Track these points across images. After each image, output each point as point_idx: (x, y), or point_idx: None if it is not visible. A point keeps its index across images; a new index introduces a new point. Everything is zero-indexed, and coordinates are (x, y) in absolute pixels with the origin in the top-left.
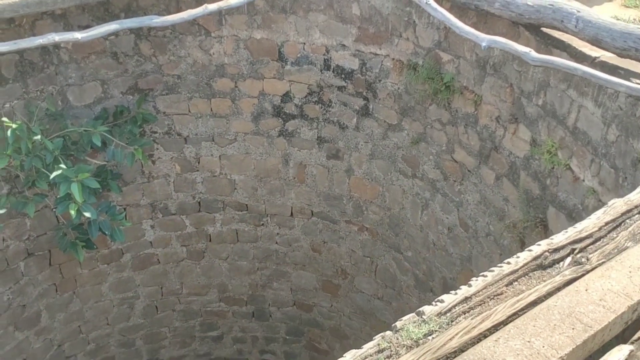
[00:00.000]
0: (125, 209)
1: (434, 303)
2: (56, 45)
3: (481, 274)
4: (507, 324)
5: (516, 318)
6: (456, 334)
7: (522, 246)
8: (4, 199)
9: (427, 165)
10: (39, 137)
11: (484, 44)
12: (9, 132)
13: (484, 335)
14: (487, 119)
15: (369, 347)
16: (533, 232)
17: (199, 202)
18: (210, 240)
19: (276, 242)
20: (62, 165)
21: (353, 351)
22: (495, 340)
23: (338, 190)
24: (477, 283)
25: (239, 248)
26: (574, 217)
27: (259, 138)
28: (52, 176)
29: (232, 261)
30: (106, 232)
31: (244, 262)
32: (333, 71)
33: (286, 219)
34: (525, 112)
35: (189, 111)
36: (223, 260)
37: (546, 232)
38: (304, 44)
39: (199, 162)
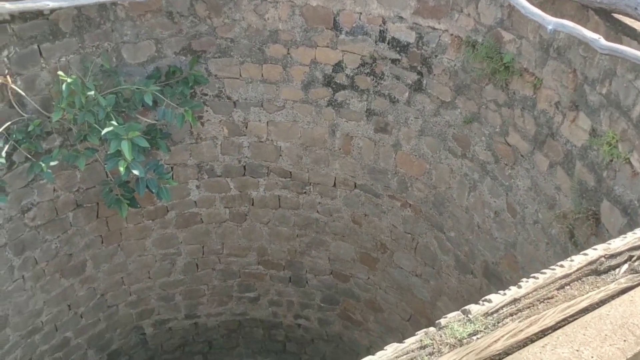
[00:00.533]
0: (172, 168)
1: (481, 302)
2: (113, 2)
3: (532, 275)
4: (555, 329)
5: (566, 324)
6: (502, 337)
7: (571, 238)
8: (57, 152)
9: (479, 146)
10: (92, 92)
11: (550, 27)
12: (64, 86)
13: (530, 340)
14: (546, 103)
15: (411, 342)
16: (584, 225)
17: (244, 166)
18: (252, 204)
19: (317, 211)
20: (114, 122)
21: (395, 345)
22: (542, 347)
23: (383, 164)
24: (527, 285)
25: (280, 214)
26: (629, 213)
27: (307, 107)
28: (103, 132)
29: (273, 226)
30: (153, 191)
31: (285, 228)
32: (388, 43)
33: (329, 189)
34: (587, 100)
35: (240, 75)
36: (264, 225)
37: (597, 226)
38: (360, 13)
39: (246, 127)
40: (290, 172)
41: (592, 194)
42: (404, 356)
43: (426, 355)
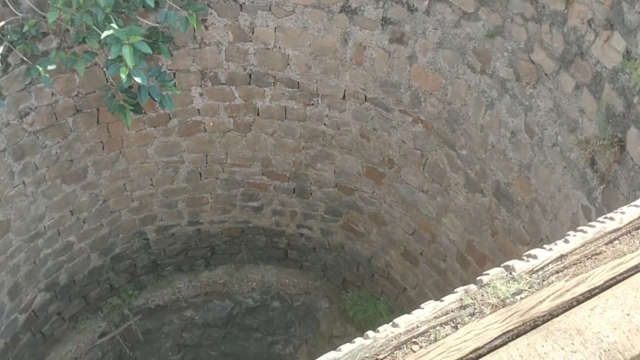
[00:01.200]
0: (174, 74)
1: (525, 259)
2: None
3: (579, 228)
4: (604, 289)
5: (614, 283)
6: (547, 297)
7: (592, 165)
8: (54, 54)
9: (500, 62)
10: None
11: None
12: None
13: (576, 300)
14: (577, 20)
15: (450, 301)
16: (607, 151)
17: (250, 74)
18: (258, 115)
19: (324, 124)
20: (114, 25)
21: (432, 303)
22: (591, 309)
23: (397, 77)
24: (574, 239)
25: (286, 125)
26: None
27: (318, 12)
28: (103, 36)
29: (278, 137)
30: (156, 99)
31: (290, 139)
32: None
33: (337, 102)
34: (623, 18)
35: None
36: (269, 136)
37: (622, 153)
38: None
39: (253, 32)
40: (298, 82)
41: (619, 119)
42: (443, 317)
43: (467, 316)
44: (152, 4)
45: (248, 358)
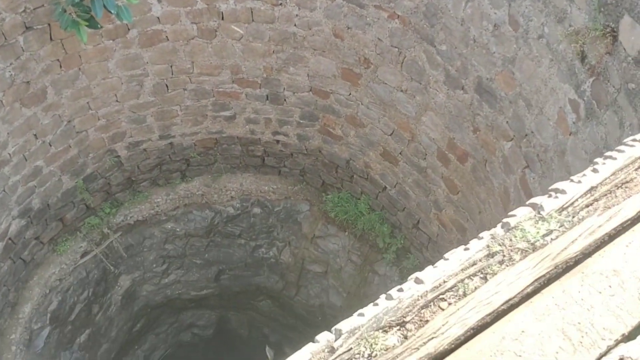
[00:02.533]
0: None
1: (553, 194)
2: None
3: (607, 154)
4: (636, 222)
5: None
6: (579, 235)
7: (582, 58)
8: None
9: None
10: None
11: None
12: None
13: (609, 236)
14: None
15: (476, 249)
16: (598, 43)
17: None
18: (222, 19)
19: (295, 25)
20: None
21: (458, 253)
22: (626, 246)
23: None
24: (604, 168)
25: (253, 28)
26: None
27: None
28: None
29: (246, 42)
30: (112, 11)
31: (259, 44)
32: None
33: (307, 0)
34: None
35: None
36: (236, 41)
37: (614, 44)
38: None
39: None
40: None
41: (611, 8)
42: (471, 268)
43: (496, 265)
44: None
45: (233, 263)
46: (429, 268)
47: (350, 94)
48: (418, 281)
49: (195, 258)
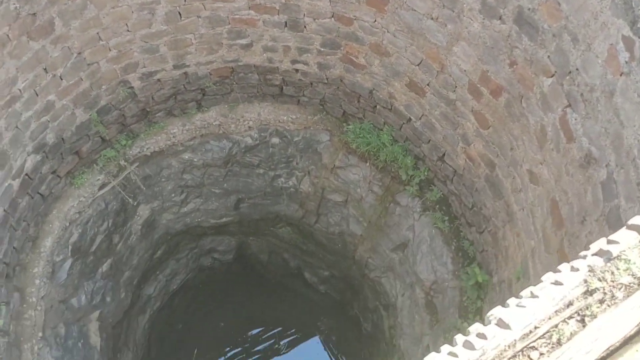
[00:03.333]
0: None
1: None
2: None
3: None
4: None
5: None
6: None
7: None
8: None
9: None
10: None
11: None
12: None
13: None
14: None
15: (572, 285)
16: None
17: None
18: None
19: None
20: None
21: (550, 291)
22: None
23: None
24: None
25: None
26: None
27: None
28: None
29: None
30: None
31: None
32: None
33: None
34: None
35: None
36: None
37: None
38: None
39: None
40: None
41: None
42: (567, 310)
43: (596, 305)
44: None
45: (252, 192)
46: (515, 308)
47: (375, 20)
48: (503, 325)
49: (213, 187)
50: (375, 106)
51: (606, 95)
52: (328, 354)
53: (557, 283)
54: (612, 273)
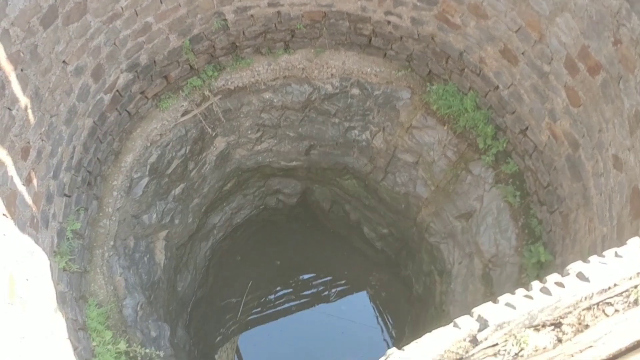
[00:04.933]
0: None
1: None
2: None
3: None
4: None
5: None
6: None
7: None
8: None
9: None
10: None
11: None
12: None
13: None
14: None
15: None
16: None
17: None
18: None
19: None
20: None
21: (634, 250)
22: None
23: None
24: None
25: None
26: None
27: None
28: None
29: None
30: None
31: None
32: None
33: None
34: None
35: None
36: None
37: None
38: None
39: None
40: None
41: None
42: None
43: None
44: None
45: (324, 140)
46: (597, 264)
47: None
48: (582, 278)
49: (288, 130)
50: (464, 69)
51: None
52: (374, 309)
53: None
54: None
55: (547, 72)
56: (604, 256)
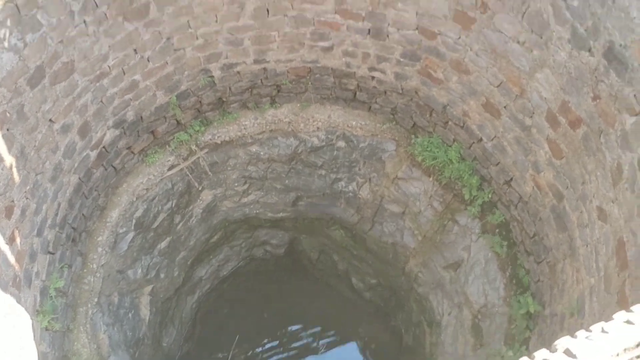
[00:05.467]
0: None
1: None
2: None
3: None
4: None
5: None
6: None
7: None
8: None
9: None
10: None
11: None
12: None
13: None
14: None
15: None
16: None
17: None
18: None
19: None
20: None
21: (621, 315)
22: None
23: None
24: None
25: None
26: None
27: None
28: None
29: None
30: None
31: None
32: None
33: None
34: None
35: None
36: None
37: None
38: None
39: None
40: None
41: None
42: (637, 349)
43: None
44: None
45: (311, 191)
46: (584, 340)
47: (459, 37)
48: (570, 354)
49: (275, 182)
50: (447, 122)
51: None
52: None
53: (628, 322)
54: None
55: (529, 125)
56: (590, 331)
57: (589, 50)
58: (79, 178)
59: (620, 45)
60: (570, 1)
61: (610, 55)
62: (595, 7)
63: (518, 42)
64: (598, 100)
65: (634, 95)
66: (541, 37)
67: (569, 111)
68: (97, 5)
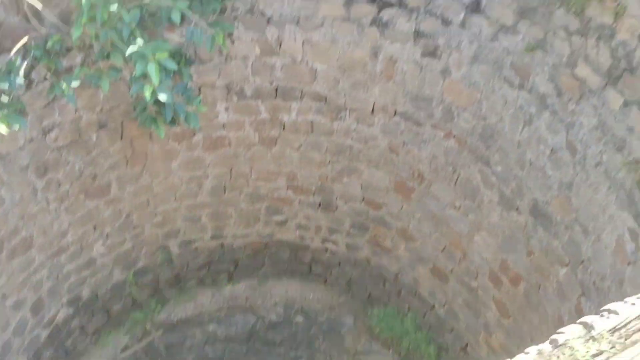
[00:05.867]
0: (200, 89)
1: (605, 315)
2: None
3: None
4: None
5: None
6: (632, 359)
7: None
8: (78, 70)
9: (540, 77)
10: (115, 6)
11: None
12: (84, 0)
13: None
14: (627, 34)
15: None
16: None
17: (276, 89)
18: (284, 129)
19: (352, 138)
20: (140, 39)
21: None
22: None
23: (429, 91)
24: None
25: (312, 140)
26: None
27: (348, 25)
28: (128, 52)
29: (304, 152)
30: (181, 116)
31: (316, 154)
32: None
33: (366, 116)
34: None
35: None
36: (295, 150)
37: None
38: None
39: (280, 46)
40: (326, 97)
41: None
42: None
43: None
44: (177, 20)
45: None
46: None
47: (402, 207)
48: None
49: None
50: (400, 291)
51: (616, 283)
52: None
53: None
54: (558, 357)
55: (475, 287)
56: None
57: (517, 210)
58: (27, 359)
59: (543, 202)
60: (495, 167)
61: (535, 211)
62: (516, 170)
63: (454, 208)
64: (532, 256)
65: (562, 247)
66: (474, 202)
67: (509, 269)
68: (60, 184)
